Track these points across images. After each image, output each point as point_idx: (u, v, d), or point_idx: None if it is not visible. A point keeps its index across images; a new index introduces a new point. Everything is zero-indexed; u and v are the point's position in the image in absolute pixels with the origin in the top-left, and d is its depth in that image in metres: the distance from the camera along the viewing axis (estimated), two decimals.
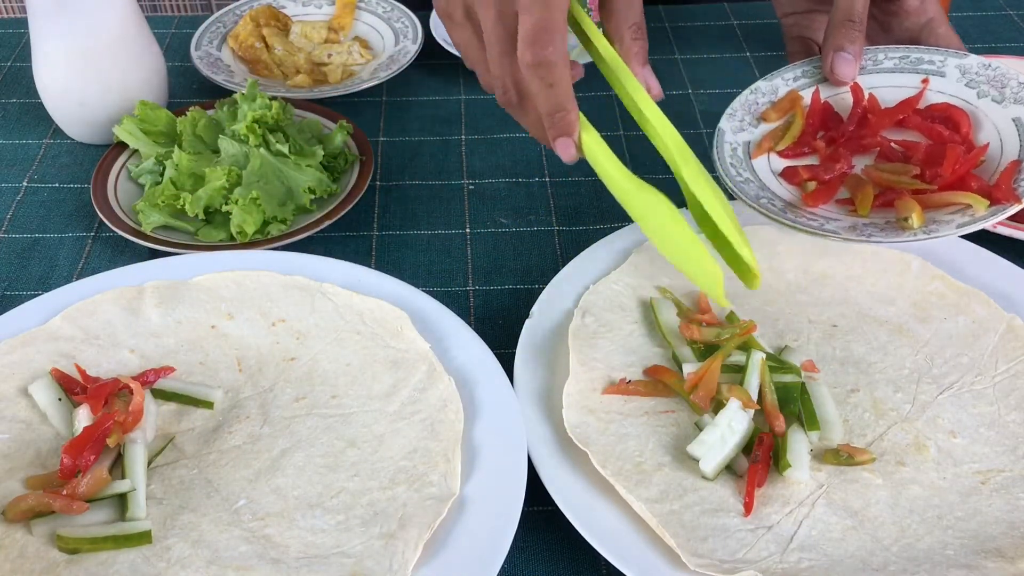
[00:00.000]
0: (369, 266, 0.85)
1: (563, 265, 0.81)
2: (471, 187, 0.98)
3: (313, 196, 0.90)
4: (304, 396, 0.72)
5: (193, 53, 1.11)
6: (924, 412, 0.71)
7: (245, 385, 0.73)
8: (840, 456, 0.67)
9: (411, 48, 1.12)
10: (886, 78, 0.86)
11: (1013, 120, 0.79)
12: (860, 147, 0.82)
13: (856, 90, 0.85)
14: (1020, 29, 1.24)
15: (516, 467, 0.65)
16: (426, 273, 0.88)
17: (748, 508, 0.63)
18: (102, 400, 0.68)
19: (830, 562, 0.61)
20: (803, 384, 0.71)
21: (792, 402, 0.70)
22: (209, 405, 0.71)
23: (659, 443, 0.68)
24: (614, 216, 0.94)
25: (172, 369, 0.73)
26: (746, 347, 0.73)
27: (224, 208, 0.86)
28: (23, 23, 1.23)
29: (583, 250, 0.83)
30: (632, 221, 0.87)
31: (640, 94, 0.74)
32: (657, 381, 0.72)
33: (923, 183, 0.76)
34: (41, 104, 1.02)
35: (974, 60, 0.83)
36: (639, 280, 0.80)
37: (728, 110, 0.88)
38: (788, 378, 0.71)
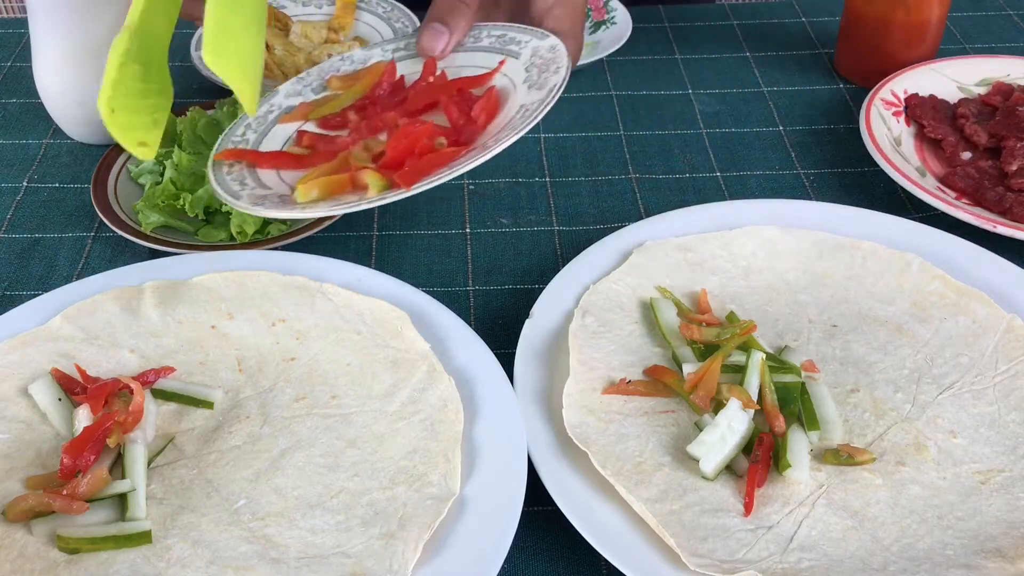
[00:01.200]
0: (369, 266, 0.85)
1: (563, 265, 0.81)
2: (471, 187, 0.98)
3: None
4: (304, 396, 0.72)
5: (193, 53, 1.11)
6: (924, 412, 0.71)
7: (245, 385, 0.73)
8: (840, 456, 0.67)
9: None
10: (478, 57, 0.80)
11: (520, 106, 0.73)
12: (381, 124, 0.76)
13: (429, 65, 0.79)
14: (1020, 29, 1.24)
15: (516, 467, 0.65)
16: (426, 273, 0.88)
17: (748, 508, 0.63)
18: (102, 400, 0.68)
19: (830, 562, 0.61)
20: (803, 384, 0.71)
21: (792, 402, 0.70)
22: (209, 405, 0.71)
23: (659, 443, 0.68)
24: (614, 216, 0.94)
25: (172, 369, 0.73)
26: (746, 347, 0.73)
27: (224, 208, 0.86)
28: (23, 23, 1.23)
29: (583, 250, 0.82)
30: (631, 221, 0.87)
31: None
32: (657, 381, 0.72)
33: (373, 163, 0.71)
34: (41, 104, 1.02)
35: (547, 43, 0.77)
36: (639, 280, 0.80)
37: (304, 72, 0.83)
38: (788, 378, 0.71)
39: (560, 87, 0.71)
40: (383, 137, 0.75)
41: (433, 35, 0.78)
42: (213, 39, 0.68)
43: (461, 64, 0.80)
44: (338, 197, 0.69)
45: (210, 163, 0.75)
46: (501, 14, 0.85)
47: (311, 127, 0.79)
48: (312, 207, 0.68)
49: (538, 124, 1.06)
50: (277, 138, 0.78)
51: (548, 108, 0.70)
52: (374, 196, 0.67)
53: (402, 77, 0.80)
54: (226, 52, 0.68)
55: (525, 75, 0.75)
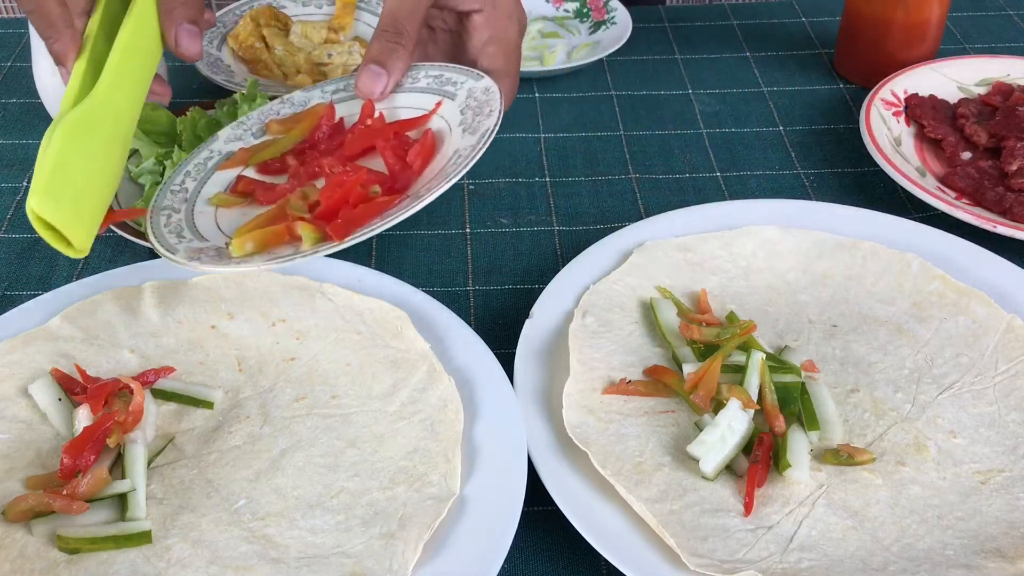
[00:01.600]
0: (369, 266, 0.85)
1: (563, 265, 0.81)
2: (471, 187, 0.98)
3: None
4: (304, 396, 0.72)
5: None
6: (924, 412, 0.71)
7: (245, 385, 0.73)
8: (840, 456, 0.67)
9: None
10: (415, 98, 0.79)
11: (455, 151, 0.72)
12: (318, 170, 0.75)
13: (367, 107, 0.78)
14: (1020, 29, 1.24)
15: (516, 467, 0.65)
16: (426, 273, 0.88)
17: (748, 508, 0.63)
18: (102, 400, 0.68)
19: (830, 562, 0.61)
20: (803, 384, 0.71)
21: (792, 402, 0.70)
22: (209, 405, 0.71)
23: (659, 443, 0.68)
24: (614, 216, 0.94)
25: (172, 369, 0.73)
26: (746, 347, 0.72)
27: None
28: (23, 23, 1.23)
29: (583, 250, 0.82)
30: (631, 221, 0.87)
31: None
32: (657, 381, 0.72)
33: (308, 213, 0.70)
34: (41, 104, 1.02)
35: (482, 85, 0.76)
36: (639, 280, 0.80)
37: (244, 116, 0.83)
38: (788, 378, 0.71)
39: (492, 131, 0.71)
40: (320, 183, 0.74)
41: (371, 77, 0.77)
42: (46, 184, 0.65)
43: (399, 105, 0.79)
44: (274, 249, 0.69)
45: (148, 215, 0.75)
46: (439, 53, 0.84)
47: (251, 173, 0.78)
48: (247, 260, 0.68)
49: (537, 124, 1.07)
50: (217, 185, 0.77)
51: (481, 153, 0.69)
52: (307, 249, 0.67)
53: (341, 120, 0.80)
54: (60, 194, 0.65)
55: (460, 118, 0.75)
